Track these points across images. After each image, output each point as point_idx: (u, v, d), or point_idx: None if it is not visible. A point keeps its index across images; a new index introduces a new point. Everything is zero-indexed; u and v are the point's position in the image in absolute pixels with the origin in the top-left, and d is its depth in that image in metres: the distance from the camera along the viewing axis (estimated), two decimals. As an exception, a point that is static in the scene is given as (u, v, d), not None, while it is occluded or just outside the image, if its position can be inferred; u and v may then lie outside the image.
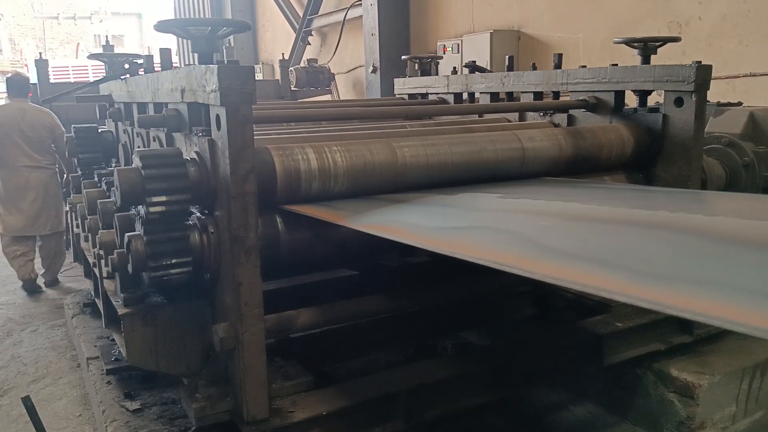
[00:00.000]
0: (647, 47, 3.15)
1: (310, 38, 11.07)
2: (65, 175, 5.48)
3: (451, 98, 4.14)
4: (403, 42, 8.51)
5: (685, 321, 2.94)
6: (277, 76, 9.53)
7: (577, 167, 2.93)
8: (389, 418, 2.31)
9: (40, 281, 5.98)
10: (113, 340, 3.26)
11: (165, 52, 2.68)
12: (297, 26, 11.22)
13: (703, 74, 2.79)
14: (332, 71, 9.75)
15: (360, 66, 9.46)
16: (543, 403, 3.01)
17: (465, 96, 4.10)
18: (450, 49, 7.32)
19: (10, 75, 6.22)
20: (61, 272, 6.18)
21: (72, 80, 12.55)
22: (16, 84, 5.85)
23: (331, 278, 3.27)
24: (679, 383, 2.74)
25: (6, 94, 6.02)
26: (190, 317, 2.19)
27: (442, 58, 5.07)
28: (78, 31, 33.02)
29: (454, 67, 4.52)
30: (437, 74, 4.58)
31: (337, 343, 2.84)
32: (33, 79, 8.10)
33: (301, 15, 11.14)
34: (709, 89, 2.85)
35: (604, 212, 2.05)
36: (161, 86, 2.50)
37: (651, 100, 3.22)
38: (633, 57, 3.21)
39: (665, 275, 1.31)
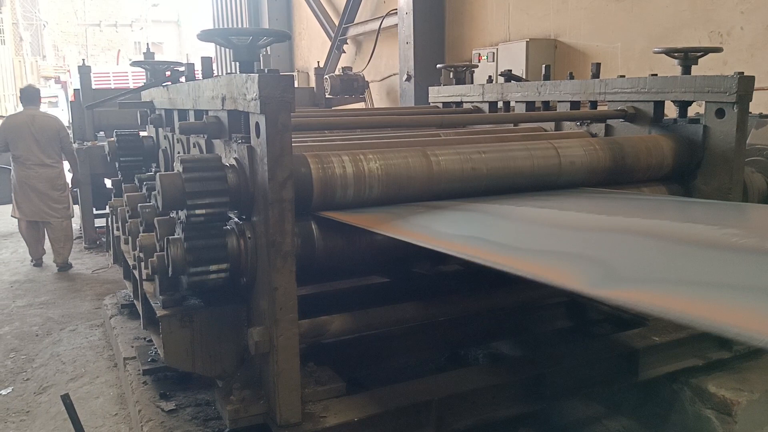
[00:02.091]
0: (688, 57, 3.10)
1: (345, 46, 11.16)
2: (72, 172, 6.90)
3: (486, 107, 4.14)
4: (437, 50, 8.52)
5: (723, 336, 2.88)
6: (312, 84, 9.62)
7: (615, 178, 2.90)
8: (420, 426, 2.31)
9: (48, 262, 6.94)
10: (150, 340, 3.32)
11: (206, 61, 2.74)
12: (332, 34, 11.32)
13: (745, 85, 2.75)
14: (366, 79, 9.80)
15: (394, 74, 9.49)
16: (576, 416, 2.97)
17: (500, 105, 4.09)
18: (485, 57, 7.30)
19: (23, 87, 7.19)
20: (95, 271, 6.65)
21: (113, 86, 12.85)
22: (29, 94, 6.84)
23: (363, 285, 3.28)
24: (716, 400, 2.68)
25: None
26: (226, 320, 2.23)
27: (477, 66, 5.06)
28: (119, 38, 33.85)
29: (490, 76, 4.50)
30: (472, 83, 4.57)
31: (368, 350, 2.85)
32: (76, 84, 8.35)
33: (336, 23, 11.24)
34: (751, 100, 2.80)
35: (639, 225, 2.03)
36: (202, 94, 2.55)
37: (691, 111, 3.17)
38: (672, 67, 3.17)
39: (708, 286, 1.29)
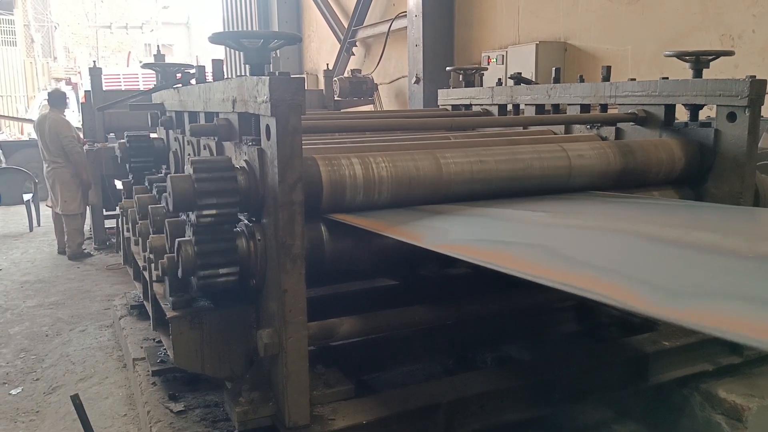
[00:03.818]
0: (699, 61, 3.09)
1: (354, 49, 11.18)
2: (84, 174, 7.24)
3: (495, 110, 4.13)
4: (447, 53, 8.52)
5: (734, 341, 2.85)
6: (322, 86, 9.64)
7: (626, 182, 2.89)
8: (429, 429, 2.31)
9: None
10: (159, 341, 3.34)
11: (217, 63, 2.75)
12: (342, 37, 11.35)
13: (757, 89, 2.73)
14: (375, 81, 9.81)
15: (403, 76, 9.50)
16: (585, 421, 2.95)
17: (510, 108, 4.08)
18: (494, 60, 7.30)
19: (50, 90, 7.90)
20: (109, 266, 6.82)
21: (123, 88, 12.93)
22: (53, 98, 7.49)
23: (372, 287, 3.28)
24: (727, 405, 2.66)
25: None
26: (235, 322, 2.24)
27: (486, 69, 5.06)
28: (129, 40, 34.03)
29: (499, 79, 4.50)
30: (481, 86, 4.57)
31: (376, 353, 2.84)
32: (87, 86, 8.41)
33: (345, 26, 11.26)
34: (763, 104, 2.78)
35: (648, 229, 2.02)
36: (213, 96, 2.56)
37: (702, 115, 3.15)
38: (683, 70, 3.15)
39: (704, 293, 1.29)
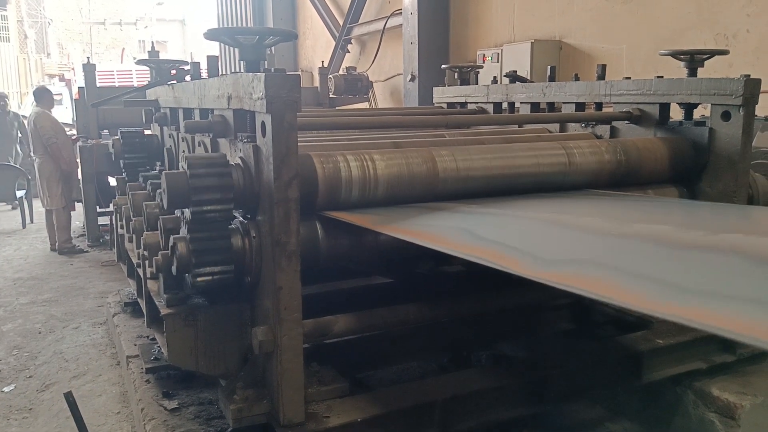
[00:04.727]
0: (694, 59, 3.10)
1: (349, 46, 11.16)
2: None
3: (490, 108, 4.13)
4: (442, 51, 8.51)
5: (727, 340, 2.86)
6: (316, 84, 9.63)
7: (620, 180, 2.89)
8: (424, 427, 2.31)
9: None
10: (153, 339, 3.33)
11: (212, 60, 2.74)
12: (337, 34, 11.33)
13: (751, 88, 2.74)
14: (370, 79, 9.80)
15: (398, 74, 9.49)
16: (579, 418, 2.96)
17: (505, 106, 4.08)
18: (490, 58, 7.30)
19: (36, 87, 8.27)
20: (103, 263, 6.80)
21: (117, 84, 12.88)
22: (39, 95, 7.83)
23: (367, 285, 3.28)
24: (720, 403, 2.67)
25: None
26: (230, 319, 2.23)
27: (482, 67, 5.06)
28: (123, 37, 33.91)
29: (494, 77, 4.51)
30: (477, 84, 4.57)
31: (371, 350, 2.84)
32: (80, 82, 8.40)
33: (341, 23, 11.25)
34: (757, 103, 2.79)
35: (640, 228, 2.03)
36: (208, 92, 2.55)
37: (696, 114, 3.16)
38: (678, 69, 3.16)
39: (698, 291, 1.30)
